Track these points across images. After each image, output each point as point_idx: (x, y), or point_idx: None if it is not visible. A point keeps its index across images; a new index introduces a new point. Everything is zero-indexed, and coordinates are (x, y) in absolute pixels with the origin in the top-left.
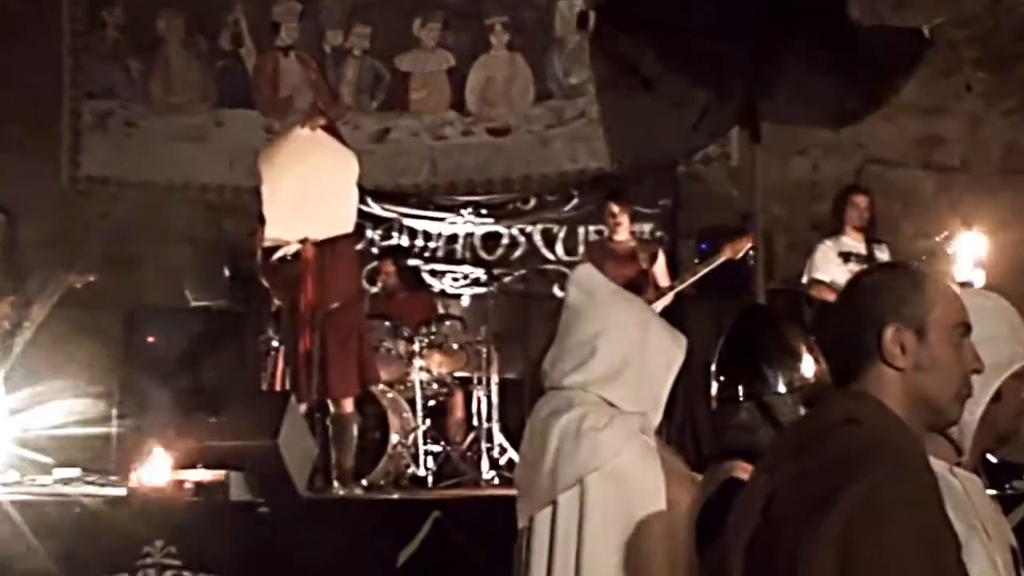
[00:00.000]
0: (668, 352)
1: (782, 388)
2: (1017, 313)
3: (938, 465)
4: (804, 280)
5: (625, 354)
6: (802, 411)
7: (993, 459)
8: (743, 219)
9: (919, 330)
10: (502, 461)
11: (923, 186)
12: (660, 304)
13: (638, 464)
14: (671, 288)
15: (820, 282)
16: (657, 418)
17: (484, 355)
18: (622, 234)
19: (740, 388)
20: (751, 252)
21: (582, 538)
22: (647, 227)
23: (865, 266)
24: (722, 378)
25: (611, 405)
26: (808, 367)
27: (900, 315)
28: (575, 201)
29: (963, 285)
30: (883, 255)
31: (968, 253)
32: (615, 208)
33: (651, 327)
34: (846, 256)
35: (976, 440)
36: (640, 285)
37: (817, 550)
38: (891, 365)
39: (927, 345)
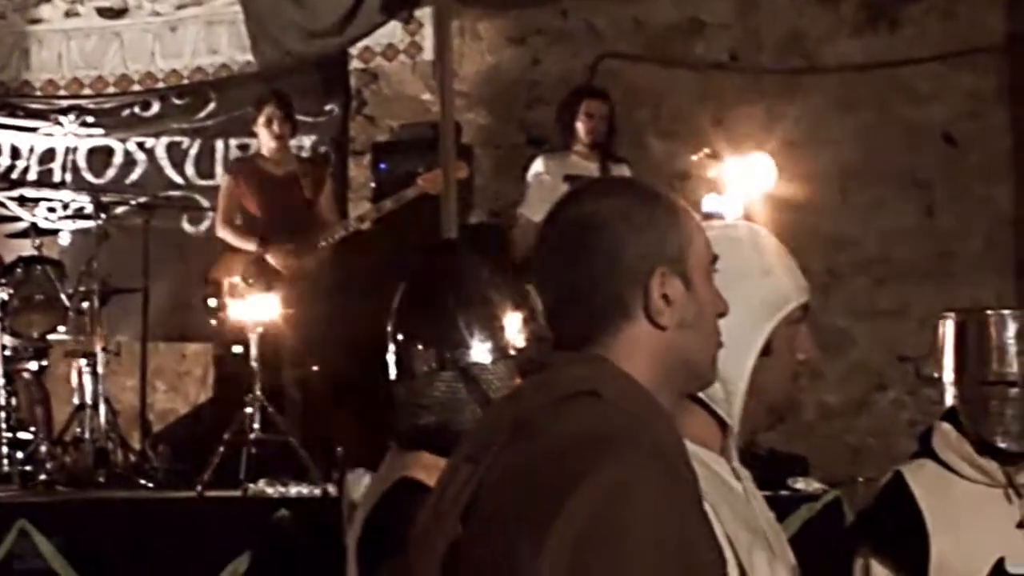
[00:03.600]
0: None
1: (485, 356)
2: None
3: (706, 454)
4: (520, 212)
5: None
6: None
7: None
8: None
9: (684, 274)
10: (113, 453)
11: (679, 87)
12: (327, 247)
13: None
14: (344, 227)
15: (525, 218)
16: None
17: (89, 312)
18: (281, 152)
19: (430, 353)
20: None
21: None
22: (308, 140)
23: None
24: (400, 338)
25: None
26: (513, 327)
27: (664, 256)
28: (212, 106)
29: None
30: None
31: (739, 176)
32: (277, 114)
33: None
34: (574, 180)
35: (745, 413)
36: (303, 219)
37: (541, 569)
38: (654, 323)
39: (693, 293)
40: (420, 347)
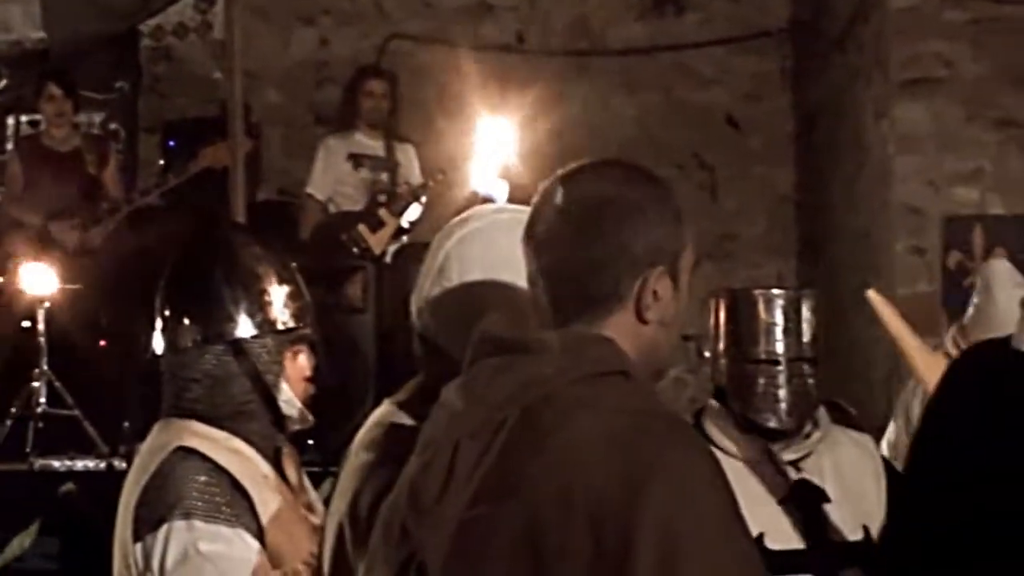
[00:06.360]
0: None
1: (251, 330)
2: None
3: None
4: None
5: None
6: (288, 360)
7: None
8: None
9: (674, 275)
10: None
11: (465, 69)
12: (112, 222)
13: None
14: (129, 201)
15: (311, 196)
16: None
17: None
18: (64, 128)
19: (196, 327)
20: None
21: None
22: (98, 117)
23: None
24: (167, 313)
25: None
26: (279, 304)
27: (663, 253)
28: (4, 82)
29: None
30: (408, 159)
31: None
32: (57, 91)
33: None
34: (357, 159)
35: None
36: (89, 195)
37: (639, 523)
38: (640, 316)
39: (677, 295)
40: (187, 321)
